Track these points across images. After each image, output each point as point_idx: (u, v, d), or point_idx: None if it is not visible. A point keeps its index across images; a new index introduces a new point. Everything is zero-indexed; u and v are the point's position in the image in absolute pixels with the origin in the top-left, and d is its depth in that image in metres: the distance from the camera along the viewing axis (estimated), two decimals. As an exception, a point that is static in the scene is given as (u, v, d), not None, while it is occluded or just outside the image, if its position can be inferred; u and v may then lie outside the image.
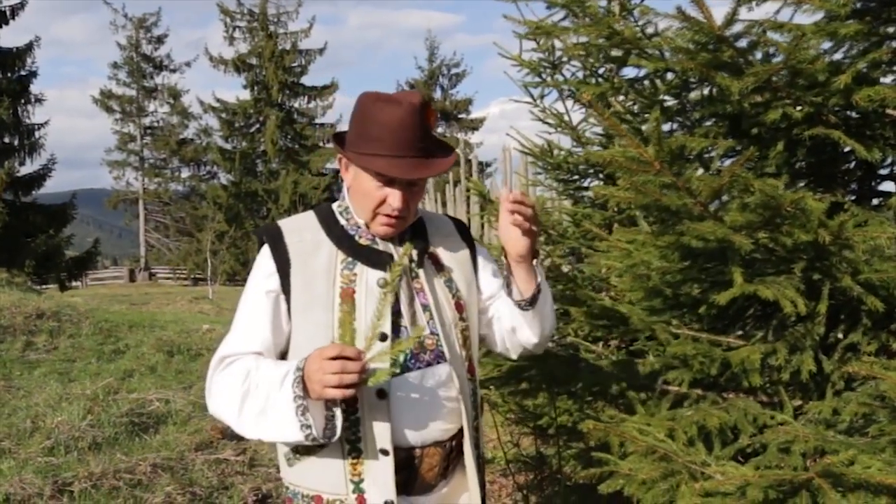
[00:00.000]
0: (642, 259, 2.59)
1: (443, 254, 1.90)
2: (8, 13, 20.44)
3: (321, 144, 35.44)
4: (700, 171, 2.67)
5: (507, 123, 4.40)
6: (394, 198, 1.72)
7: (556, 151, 4.04)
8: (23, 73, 20.70)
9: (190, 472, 4.26)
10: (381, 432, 1.69)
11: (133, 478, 4.05)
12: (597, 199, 3.94)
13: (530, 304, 1.83)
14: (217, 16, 35.79)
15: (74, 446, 4.36)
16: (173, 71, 38.69)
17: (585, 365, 2.84)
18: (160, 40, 38.76)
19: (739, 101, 2.28)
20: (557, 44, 3.48)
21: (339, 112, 36.47)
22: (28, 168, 20.60)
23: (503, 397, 3.29)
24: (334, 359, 1.54)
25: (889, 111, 2.35)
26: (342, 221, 1.83)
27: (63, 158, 20.71)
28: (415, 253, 1.83)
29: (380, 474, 1.70)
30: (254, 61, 35.08)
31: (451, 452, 1.82)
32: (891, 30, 2.09)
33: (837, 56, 2.37)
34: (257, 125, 35.54)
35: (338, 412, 1.63)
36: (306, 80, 35.72)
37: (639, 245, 2.54)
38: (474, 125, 38.36)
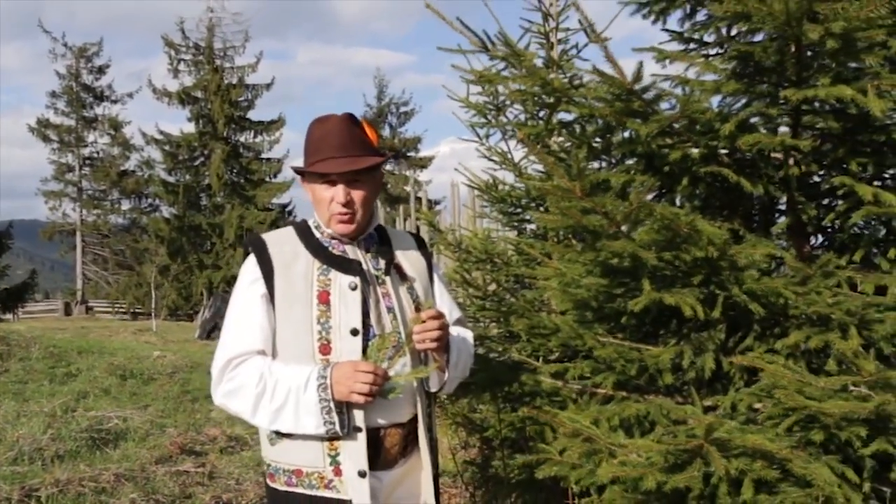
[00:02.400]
0: (572, 277, 3.02)
1: (405, 264, 2.27)
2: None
3: (267, 179, 35.43)
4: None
5: (456, 162, 4.86)
6: (337, 193, 2.10)
7: (500, 186, 4.50)
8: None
9: (152, 482, 4.50)
10: (356, 413, 2.04)
11: (97, 485, 4.28)
12: (537, 229, 4.40)
13: (437, 392, 2.26)
14: (161, 48, 35.61)
15: (38, 457, 4.56)
16: (115, 102, 38.38)
17: (525, 369, 3.24)
18: (101, 70, 38.45)
19: (648, 142, 2.76)
20: (501, 88, 3.94)
21: (286, 147, 36.70)
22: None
23: (452, 408, 3.69)
24: (369, 372, 1.96)
25: (774, 154, 2.86)
26: (317, 235, 2.21)
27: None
28: (382, 262, 2.22)
29: (354, 449, 2.05)
30: (199, 94, 35.01)
31: (408, 434, 2.17)
32: (763, 87, 2.58)
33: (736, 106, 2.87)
34: (202, 158, 35.37)
35: (347, 409, 2.02)
36: (253, 115, 35.81)
37: (567, 262, 2.97)
38: (423, 163, 38.90)
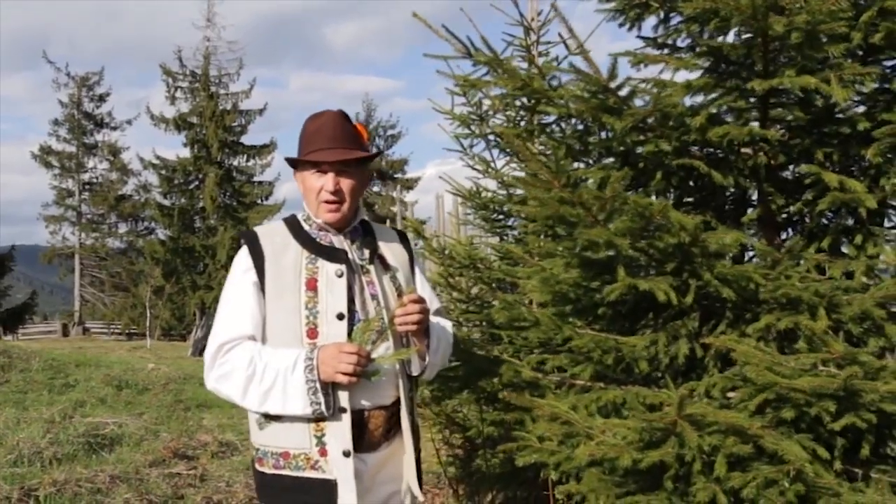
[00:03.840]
0: (552, 271, 3.11)
1: (388, 255, 2.37)
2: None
3: (259, 202, 35.72)
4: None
5: (442, 184, 5.01)
6: (327, 182, 2.21)
7: (483, 193, 4.63)
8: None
9: (146, 484, 4.57)
10: (341, 394, 2.13)
11: (93, 486, 4.34)
12: (518, 235, 4.51)
13: (418, 376, 2.35)
14: (160, 76, 35.96)
15: (37, 459, 4.63)
16: (114, 128, 38.71)
17: (505, 362, 3.33)
18: (102, 98, 38.82)
19: (623, 138, 2.87)
20: (486, 102, 4.06)
21: (277, 170, 36.81)
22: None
23: (436, 408, 3.76)
24: (352, 353, 2.05)
25: (744, 149, 2.96)
26: (306, 227, 2.31)
27: (-7, 213, 20.61)
28: (367, 252, 2.33)
29: (339, 429, 2.13)
30: (194, 120, 35.33)
31: (392, 416, 2.26)
32: (732, 81, 2.69)
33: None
34: (196, 182, 35.61)
35: (333, 391, 2.10)
36: (246, 140, 36.14)
37: (547, 257, 3.06)
38: (410, 184, 39.16)
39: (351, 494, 2.13)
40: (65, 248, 37.68)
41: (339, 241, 2.29)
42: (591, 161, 3.44)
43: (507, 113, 3.94)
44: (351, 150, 2.23)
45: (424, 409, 3.84)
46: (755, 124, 2.92)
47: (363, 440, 2.20)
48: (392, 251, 2.40)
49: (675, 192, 3.23)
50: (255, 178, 36.16)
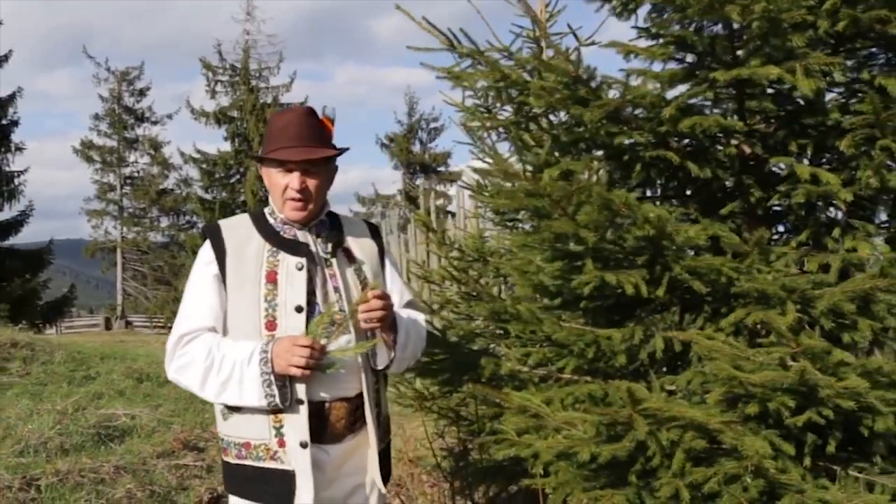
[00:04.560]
0: (528, 259, 3.10)
1: (355, 248, 2.38)
2: (-9, 65, 21.05)
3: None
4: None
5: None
6: (292, 180, 2.22)
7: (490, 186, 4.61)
8: (4, 122, 21.18)
9: (151, 474, 4.65)
10: (298, 386, 2.15)
11: (97, 476, 4.44)
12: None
13: (385, 369, 2.34)
14: (200, 70, 36.41)
15: (43, 450, 4.75)
16: (155, 123, 39.36)
17: (489, 354, 3.32)
18: (142, 93, 39.49)
19: (597, 129, 2.83)
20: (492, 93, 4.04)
21: (317, 164, 36.99)
22: (6, 214, 20.96)
23: (429, 394, 3.76)
24: (305, 346, 2.06)
25: (732, 141, 2.91)
26: (271, 221, 2.33)
27: (39, 209, 21.23)
28: (329, 245, 2.34)
29: (296, 421, 2.15)
30: (235, 114, 35.74)
31: (356, 409, 2.26)
32: (700, 72, 2.65)
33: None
34: (237, 176, 36.05)
35: (290, 383, 2.12)
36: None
37: (520, 245, 3.05)
38: (452, 177, 39.19)
39: (308, 485, 2.16)
40: (107, 242, 38.52)
41: (304, 235, 2.30)
42: (578, 153, 3.42)
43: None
44: (317, 148, 2.24)
45: (431, 403, 3.85)
46: (735, 116, 2.88)
47: (325, 432, 2.21)
48: (359, 244, 2.40)
49: (660, 186, 3.18)
50: (296, 172, 36.55)
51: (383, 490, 2.36)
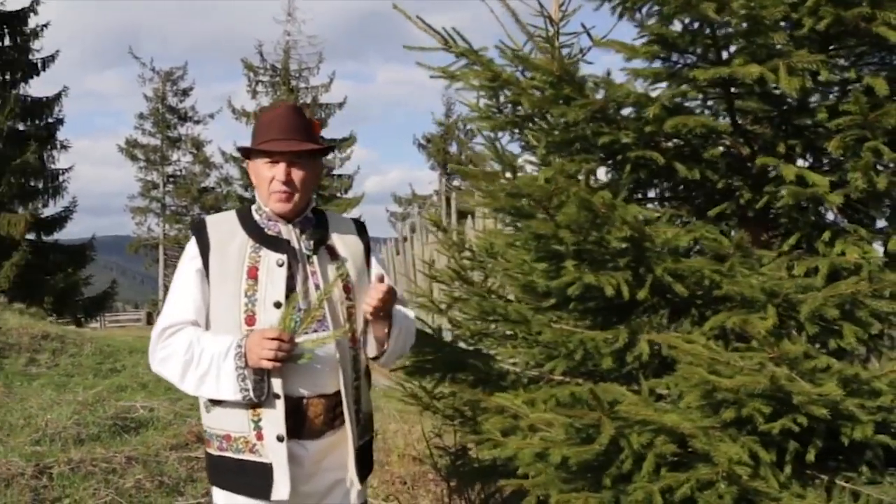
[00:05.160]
0: (521, 259, 3.09)
1: (339, 245, 2.40)
2: (39, 65, 21.57)
3: (339, 194, 36.28)
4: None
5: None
6: (278, 172, 2.25)
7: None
8: (50, 120, 21.74)
9: (162, 466, 4.74)
10: (275, 381, 2.18)
11: (109, 466, 4.54)
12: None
13: (375, 359, 2.37)
14: (242, 70, 36.95)
15: (59, 439, 4.87)
16: (197, 122, 39.97)
17: (479, 354, 3.32)
18: (185, 93, 40.13)
19: (582, 129, 2.82)
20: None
21: (356, 164, 37.30)
22: (51, 210, 21.52)
23: (424, 390, 3.77)
24: (273, 339, 2.08)
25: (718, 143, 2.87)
26: (256, 217, 2.36)
27: (89, 205, 21.81)
28: (312, 242, 2.36)
29: (273, 415, 2.18)
30: (275, 112, 36.20)
31: (335, 406, 2.28)
32: (685, 73, 2.61)
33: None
34: (277, 175, 36.53)
35: (267, 377, 2.16)
36: (326, 133, 36.65)
37: (506, 244, 3.04)
38: (487, 177, 39.15)
39: (284, 478, 2.18)
40: (150, 239, 39.25)
41: (287, 231, 2.32)
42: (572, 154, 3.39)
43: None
44: (303, 142, 2.27)
45: (430, 402, 3.86)
46: (726, 117, 2.83)
47: (304, 427, 2.24)
48: (344, 241, 2.42)
49: (654, 187, 3.15)
50: (335, 172, 36.79)
51: (358, 487, 2.36)
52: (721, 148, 2.67)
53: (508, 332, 3.46)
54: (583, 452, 2.33)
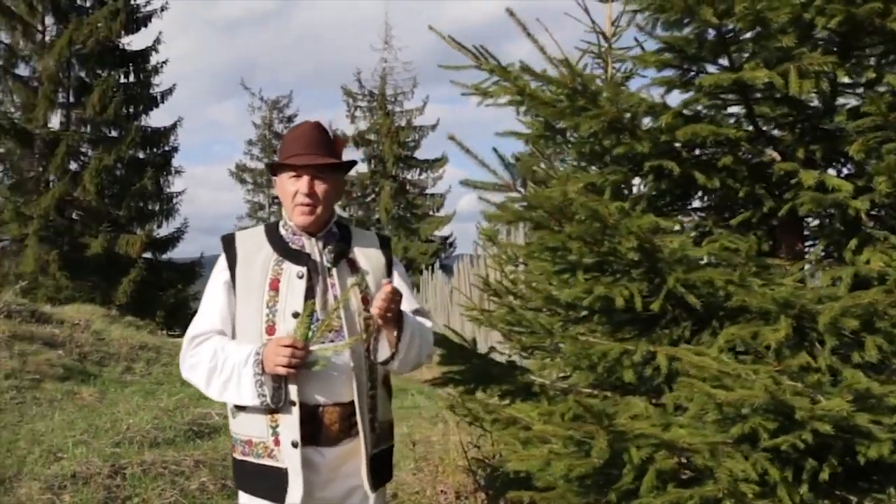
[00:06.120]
0: (545, 270, 3.09)
1: (361, 258, 2.47)
2: (158, 98, 23.00)
3: (431, 213, 36.89)
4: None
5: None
6: (302, 185, 2.34)
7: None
8: (166, 148, 23.02)
9: (227, 470, 4.93)
10: (291, 389, 2.26)
11: (178, 468, 4.77)
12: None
13: (386, 363, 2.38)
14: (341, 97, 38.26)
15: (136, 442, 5.17)
16: (305, 147, 41.36)
17: (507, 366, 3.32)
18: (290, 119, 41.52)
19: (600, 140, 2.80)
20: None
21: (448, 183, 37.75)
22: (164, 230, 22.74)
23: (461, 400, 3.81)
24: (287, 346, 2.17)
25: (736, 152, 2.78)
26: (282, 232, 2.46)
27: (205, 226, 22.65)
28: (332, 256, 2.45)
29: (289, 421, 2.26)
30: (372, 137, 37.19)
31: (351, 414, 2.33)
32: (699, 81, 2.56)
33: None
34: (373, 195, 37.41)
35: (284, 385, 2.24)
36: (419, 154, 37.43)
37: (526, 255, 3.05)
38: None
39: (297, 482, 2.25)
40: (257, 258, 40.70)
41: (311, 245, 2.41)
42: (603, 164, 3.37)
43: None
44: (325, 156, 2.38)
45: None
46: (746, 123, 2.76)
47: (320, 434, 2.30)
48: (366, 255, 2.49)
49: (678, 196, 3.09)
50: (428, 191, 37.42)
51: (370, 493, 2.38)
52: (731, 156, 2.58)
53: (538, 345, 3.47)
54: (581, 465, 2.31)
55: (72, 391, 6.70)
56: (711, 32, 2.64)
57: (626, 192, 2.95)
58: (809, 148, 2.57)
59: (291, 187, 2.37)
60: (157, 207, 22.59)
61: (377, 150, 36.66)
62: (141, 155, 22.47)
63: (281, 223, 2.48)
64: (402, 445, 4.93)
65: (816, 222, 2.71)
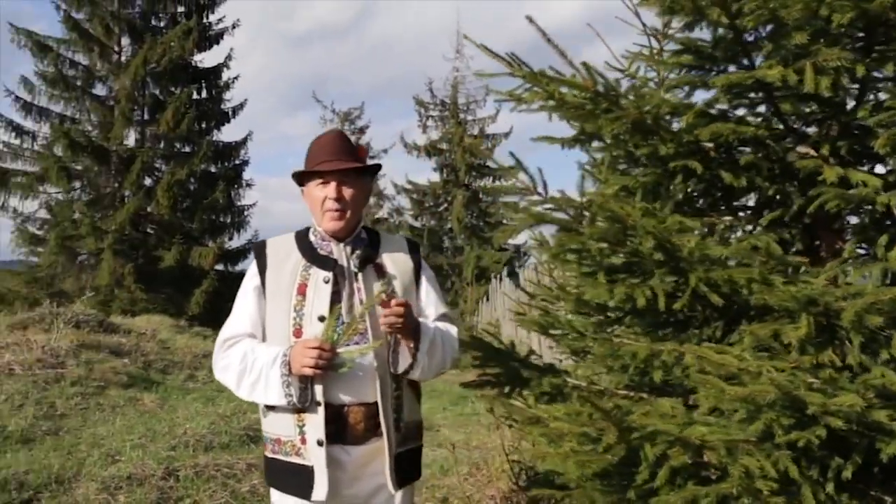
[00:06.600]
0: (570, 273, 3.11)
1: (388, 263, 2.55)
2: (229, 113, 23.65)
3: (504, 221, 36.68)
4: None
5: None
6: (330, 190, 2.44)
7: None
8: (237, 162, 23.64)
9: (279, 474, 5.07)
10: (317, 389, 2.36)
11: (230, 471, 4.92)
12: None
13: (406, 374, 2.44)
14: (413, 107, 38.52)
15: (191, 446, 5.35)
16: (372, 157, 41.90)
17: (541, 368, 3.34)
18: (362, 131, 42.11)
19: (625, 142, 2.81)
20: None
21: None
22: (236, 242, 23.34)
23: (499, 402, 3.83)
24: (314, 348, 2.27)
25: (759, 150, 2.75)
26: (312, 238, 2.56)
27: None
28: (357, 261, 2.53)
29: (314, 420, 2.36)
30: (444, 146, 37.25)
31: (376, 414, 2.40)
32: (712, 81, 2.55)
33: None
34: (445, 205, 37.46)
35: (310, 385, 2.34)
36: (492, 162, 37.31)
37: (552, 257, 3.06)
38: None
39: (323, 480, 2.34)
40: (326, 267, 41.30)
41: (338, 250, 2.50)
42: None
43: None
44: (350, 162, 2.47)
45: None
46: (772, 121, 2.72)
47: (346, 433, 2.38)
48: (393, 259, 2.56)
49: (709, 197, 3.06)
50: (503, 199, 37.24)
51: (392, 491, 2.44)
52: (754, 154, 2.56)
53: (578, 347, 3.46)
54: (595, 462, 2.32)
55: (134, 398, 6.98)
56: (725, 32, 2.64)
57: (662, 194, 2.94)
58: (836, 144, 2.52)
59: (320, 193, 2.46)
60: (228, 220, 23.22)
61: (449, 159, 36.77)
62: (213, 169, 23.08)
63: (311, 230, 2.57)
64: (457, 451, 4.98)
65: (856, 220, 2.65)
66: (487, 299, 21.07)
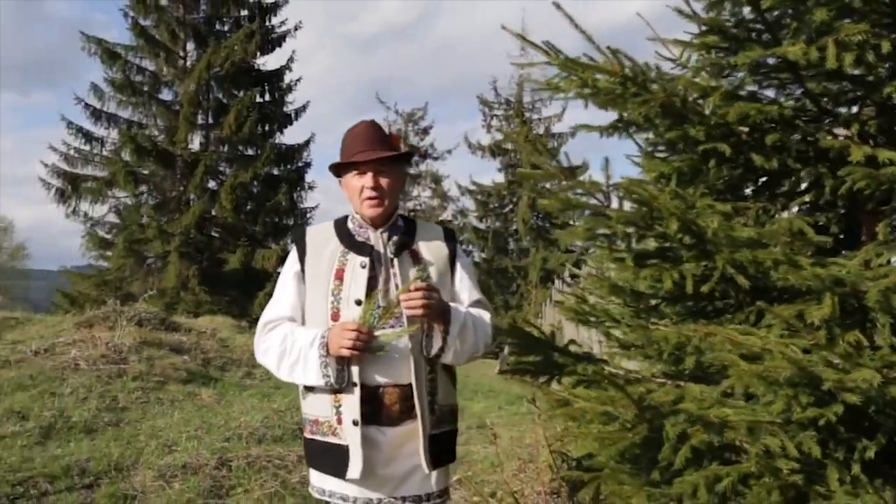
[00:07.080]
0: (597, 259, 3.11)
1: (424, 250, 2.61)
2: (292, 115, 23.98)
3: (571, 222, 36.23)
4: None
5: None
6: (367, 180, 2.53)
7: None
8: (300, 164, 24.00)
9: (329, 464, 5.19)
10: (353, 370, 2.44)
11: (281, 463, 5.06)
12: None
13: (437, 357, 2.50)
14: (477, 107, 38.41)
15: (244, 438, 5.52)
16: (436, 158, 41.99)
17: (577, 356, 3.34)
18: (425, 131, 42.21)
19: (651, 125, 2.81)
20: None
21: (587, 192, 36.94)
22: (299, 245, 23.66)
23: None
24: (352, 330, 2.36)
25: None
26: (350, 225, 2.65)
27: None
28: (393, 247, 2.61)
29: (350, 401, 2.45)
30: (509, 146, 37.02)
31: (411, 395, 2.47)
32: (733, 60, 2.53)
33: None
34: (510, 206, 37.26)
35: (347, 366, 2.42)
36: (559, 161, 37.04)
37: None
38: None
39: (357, 459, 2.42)
40: (388, 269, 41.59)
41: (375, 237, 2.58)
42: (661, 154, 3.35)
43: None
44: (384, 151, 2.55)
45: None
46: (802, 101, 2.69)
47: (381, 414, 2.46)
48: (429, 247, 2.63)
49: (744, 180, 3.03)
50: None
51: (427, 471, 2.50)
52: (779, 133, 2.53)
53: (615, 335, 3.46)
54: (619, 441, 2.33)
55: (193, 393, 7.21)
56: (747, 11, 2.62)
57: (697, 180, 2.92)
58: (867, 124, 2.48)
59: (358, 183, 2.54)
60: (291, 222, 23.59)
61: (514, 159, 36.55)
62: (275, 171, 23.32)
63: (349, 217, 2.66)
64: (508, 448, 5.03)
65: (876, 200, 2.60)
66: (551, 300, 20.90)
